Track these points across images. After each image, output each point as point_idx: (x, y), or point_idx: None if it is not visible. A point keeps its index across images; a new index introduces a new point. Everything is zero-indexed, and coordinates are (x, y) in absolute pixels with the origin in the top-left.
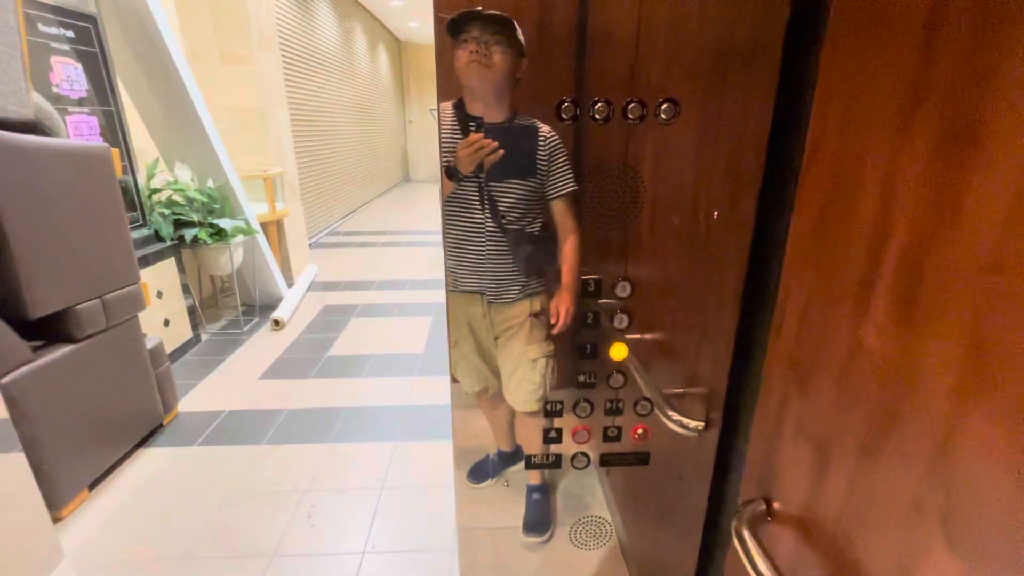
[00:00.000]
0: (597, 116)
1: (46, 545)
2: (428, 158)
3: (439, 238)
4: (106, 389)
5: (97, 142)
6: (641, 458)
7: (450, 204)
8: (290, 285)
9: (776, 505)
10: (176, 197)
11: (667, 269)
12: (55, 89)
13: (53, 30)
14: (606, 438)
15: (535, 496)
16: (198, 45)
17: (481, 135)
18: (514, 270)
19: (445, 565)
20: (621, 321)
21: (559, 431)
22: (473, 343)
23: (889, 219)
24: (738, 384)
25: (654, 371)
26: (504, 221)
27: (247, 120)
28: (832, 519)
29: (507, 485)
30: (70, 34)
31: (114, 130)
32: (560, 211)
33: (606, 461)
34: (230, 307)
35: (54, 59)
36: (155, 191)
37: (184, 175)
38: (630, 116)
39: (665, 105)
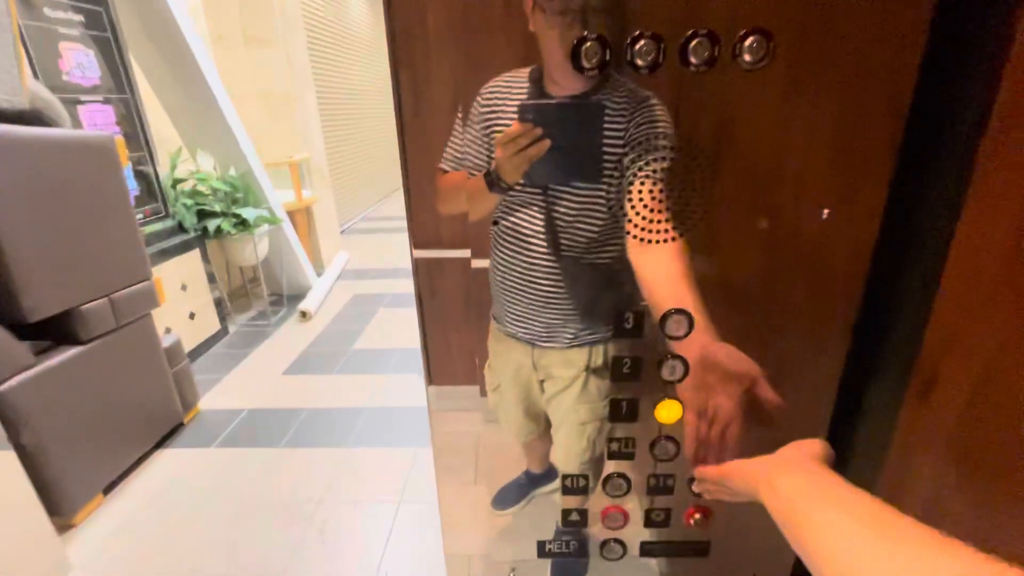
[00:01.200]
0: (639, 61)
1: (50, 558)
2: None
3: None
4: (119, 391)
5: (100, 132)
6: (698, 549)
7: (496, 227)
8: (320, 274)
9: None
10: (199, 187)
11: (744, 296)
12: (65, 77)
13: (61, 14)
14: (649, 523)
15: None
16: (223, 28)
17: (529, 125)
18: (569, 311)
19: None
20: (673, 371)
21: (583, 512)
22: (517, 395)
23: None
24: (845, 450)
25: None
26: (562, 243)
27: (274, 105)
28: None
29: (513, 574)
30: (79, 18)
31: (132, 119)
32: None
33: (649, 551)
34: (259, 297)
35: (63, 45)
36: (178, 181)
37: (206, 164)
38: (692, 60)
39: (751, 40)
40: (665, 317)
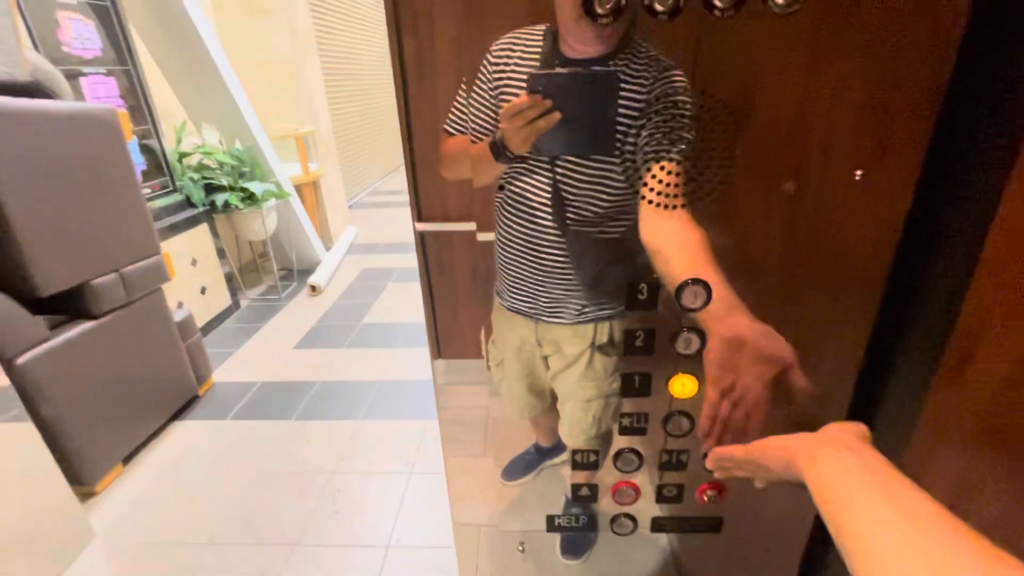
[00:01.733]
0: (658, 6)
1: (75, 524)
2: None
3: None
4: (134, 364)
5: (102, 104)
6: (711, 524)
7: (502, 193)
8: (329, 248)
9: None
10: (206, 161)
11: (765, 265)
12: (64, 48)
13: None
14: (661, 498)
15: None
16: None
17: (539, 96)
18: (574, 286)
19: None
20: (688, 343)
21: (594, 487)
22: (519, 370)
23: None
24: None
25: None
26: (568, 217)
27: (277, 76)
28: None
29: (522, 550)
30: None
31: (135, 92)
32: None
33: (660, 526)
34: (269, 272)
35: (61, 14)
36: (184, 155)
37: (212, 137)
38: (717, 2)
39: None
40: (681, 288)
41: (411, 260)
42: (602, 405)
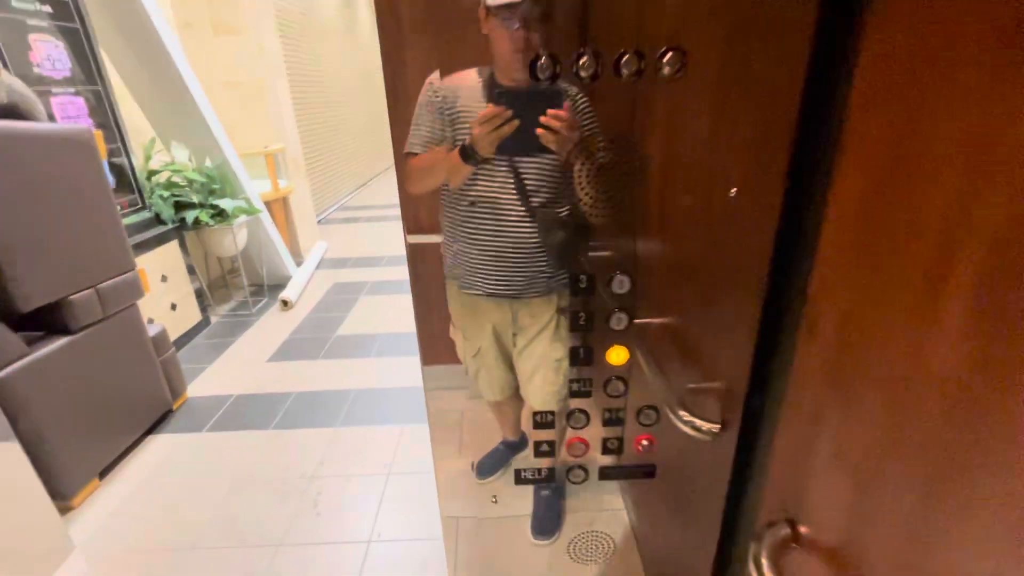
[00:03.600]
0: (582, 73)
1: (55, 537)
2: None
3: None
4: (109, 378)
5: (79, 124)
6: (647, 471)
7: (465, 193)
8: (299, 263)
9: (803, 530)
10: (175, 178)
11: (676, 257)
12: (36, 70)
13: (28, 5)
14: (606, 450)
15: (544, 493)
16: (191, 15)
17: (502, 108)
18: (543, 261)
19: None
20: (619, 321)
21: (551, 444)
22: (496, 352)
23: (975, 190)
24: (759, 385)
25: (664, 369)
26: (533, 203)
27: (246, 94)
28: (875, 563)
29: (495, 501)
30: (47, 9)
31: (103, 110)
32: None
33: (606, 474)
34: (239, 288)
35: (32, 37)
36: (153, 173)
37: (181, 155)
38: (624, 71)
39: (669, 55)
40: (610, 278)
41: (381, 274)
42: (567, 363)
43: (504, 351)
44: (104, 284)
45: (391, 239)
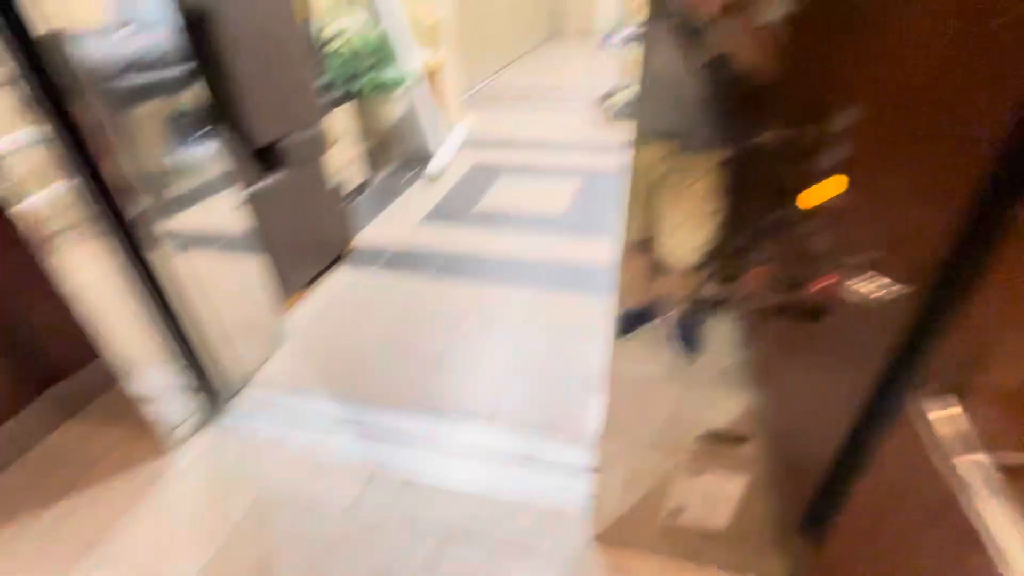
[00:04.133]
0: None
1: (275, 329)
2: (583, 8)
3: (591, 97)
4: (307, 214)
5: None
6: (813, 313)
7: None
8: (444, 139)
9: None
10: (348, 46)
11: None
12: None
13: None
14: (778, 287)
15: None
16: None
17: None
18: (717, 109)
19: (583, 396)
20: (830, 156)
21: (732, 273)
22: (647, 194)
23: None
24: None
25: (851, 219)
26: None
27: None
28: None
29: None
30: None
31: None
32: None
33: (779, 311)
34: (391, 157)
35: None
36: (330, 39)
37: (354, 23)
38: None
39: None
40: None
41: (521, 156)
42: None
43: (653, 192)
44: (304, 133)
45: (532, 122)
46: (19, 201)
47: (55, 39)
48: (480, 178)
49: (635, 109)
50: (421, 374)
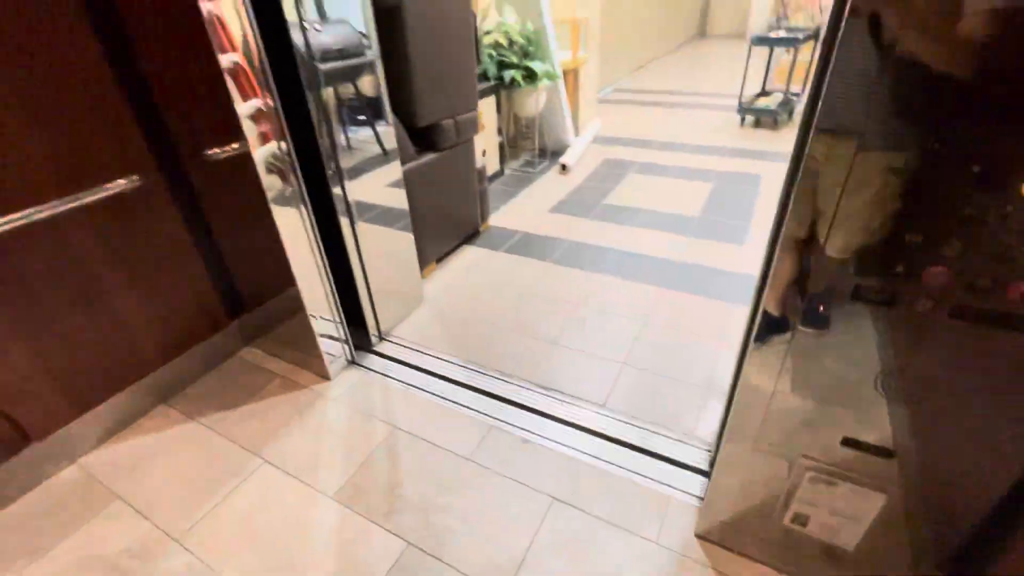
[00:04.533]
0: None
1: (418, 290)
2: (730, 11)
3: (731, 102)
4: (450, 192)
5: None
6: (1008, 322)
7: None
8: (577, 135)
9: None
10: (500, 39)
11: None
12: None
13: None
14: (972, 289)
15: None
16: None
17: None
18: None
19: (695, 396)
20: None
21: (904, 271)
22: (815, 192)
23: None
24: None
25: None
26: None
27: None
28: None
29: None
30: None
31: None
32: None
33: (959, 314)
34: (527, 148)
35: None
36: (486, 32)
37: (510, 17)
38: None
39: None
40: None
41: (652, 156)
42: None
43: (825, 190)
44: (461, 117)
45: (664, 124)
46: (253, 152)
47: (287, 28)
48: (611, 173)
49: (808, 107)
50: (538, 352)
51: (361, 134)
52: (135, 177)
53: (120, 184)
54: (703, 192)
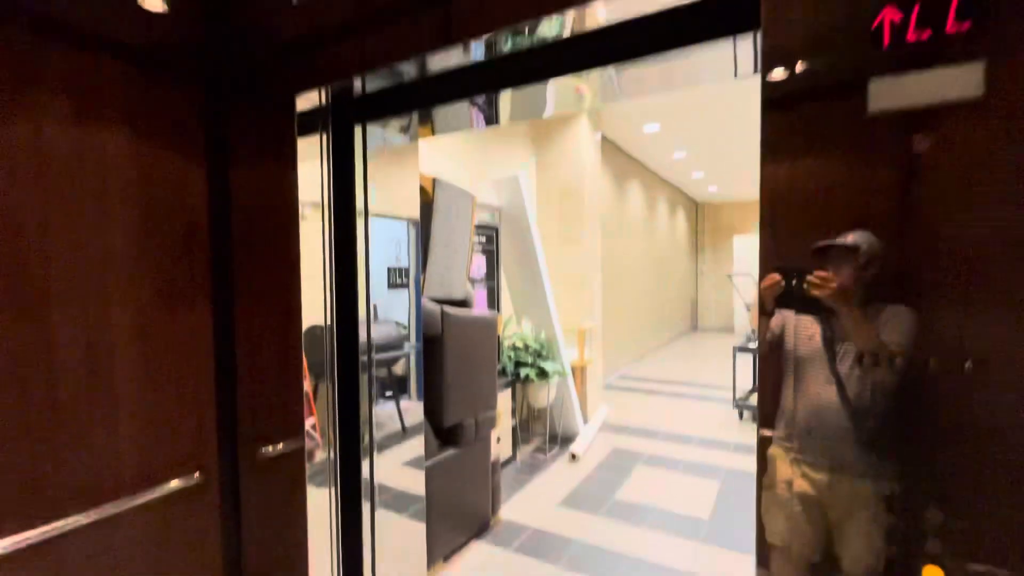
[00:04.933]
0: None
1: None
2: (718, 307)
3: (726, 394)
4: (464, 487)
5: (491, 311)
6: None
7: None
8: (586, 422)
9: None
10: (518, 343)
11: None
12: (473, 275)
13: (479, 238)
14: None
15: None
16: (546, 229)
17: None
18: (866, 433)
19: None
20: (935, 545)
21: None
22: (807, 534)
23: None
24: None
25: None
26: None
27: (572, 284)
28: None
29: None
30: (483, 239)
31: (493, 297)
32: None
33: None
34: (537, 434)
35: (476, 257)
36: (506, 339)
37: (527, 328)
38: None
39: None
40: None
41: (659, 447)
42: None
43: (817, 529)
44: (481, 416)
45: (668, 414)
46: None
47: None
48: (619, 465)
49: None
50: None
51: (381, 414)
52: (197, 475)
53: (185, 481)
54: (711, 491)
